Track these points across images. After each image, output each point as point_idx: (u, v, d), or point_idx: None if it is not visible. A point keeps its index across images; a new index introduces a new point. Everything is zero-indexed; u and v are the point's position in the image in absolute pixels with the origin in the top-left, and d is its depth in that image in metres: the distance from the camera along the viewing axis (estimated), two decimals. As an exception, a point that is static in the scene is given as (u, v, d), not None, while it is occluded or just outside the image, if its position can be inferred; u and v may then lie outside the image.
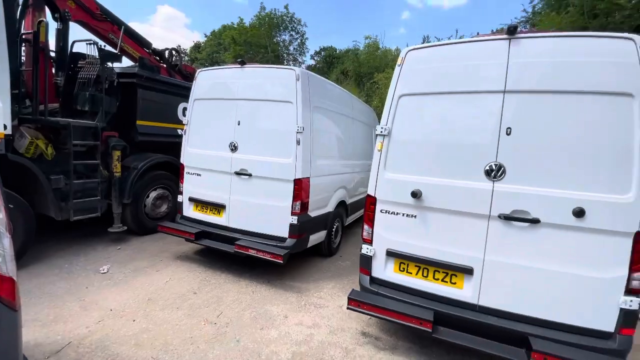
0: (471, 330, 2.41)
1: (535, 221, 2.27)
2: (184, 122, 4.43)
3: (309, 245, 4.09)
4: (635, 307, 2.08)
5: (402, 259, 2.75)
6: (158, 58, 6.42)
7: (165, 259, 4.38)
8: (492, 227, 2.41)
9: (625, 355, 2.10)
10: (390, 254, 2.77)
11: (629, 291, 2.09)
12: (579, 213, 2.15)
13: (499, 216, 2.36)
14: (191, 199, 4.37)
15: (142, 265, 4.11)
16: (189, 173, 4.40)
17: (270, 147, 3.85)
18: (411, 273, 2.72)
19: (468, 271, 2.49)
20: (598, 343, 2.13)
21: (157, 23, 61.48)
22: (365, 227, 2.90)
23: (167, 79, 5.71)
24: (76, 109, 4.51)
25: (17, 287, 1.43)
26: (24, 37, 4.14)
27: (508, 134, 2.35)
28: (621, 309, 2.10)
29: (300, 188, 3.71)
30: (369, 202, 2.87)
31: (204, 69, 4.39)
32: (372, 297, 2.67)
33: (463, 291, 2.52)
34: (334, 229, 4.77)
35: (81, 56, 4.63)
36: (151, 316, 3.03)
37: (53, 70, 4.65)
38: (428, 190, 2.59)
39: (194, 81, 4.36)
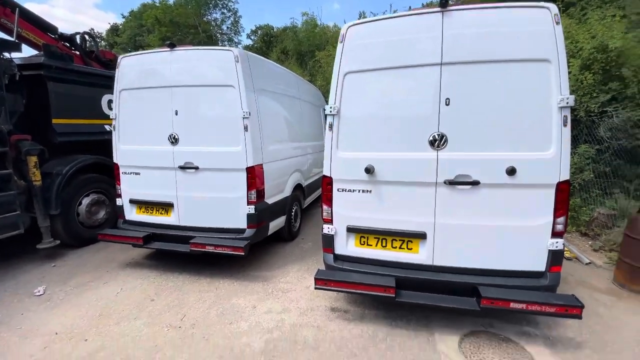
0: (429, 289, 2.63)
1: (475, 183, 2.49)
2: (111, 116, 3.95)
3: (270, 232, 4.03)
4: (560, 247, 2.44)
5: (362, 233, 2.85)
6: (68, 44, 5.56)
7: (111, 269, 4.00)
8: (440, 193, 2.59)
9: (555, 289, 2.46)
10: (351, 229, 2.85)
11: (555, 234, 2.44)
12: (511, 172, 2.40)
13: (445, 182, 2.54)
14: (132, 201, 4.00)
15: (85, 280, 3.71)
16: (125, 173, 3.99)
17: (216, 136, 3.62)
18: (371, 245, 2.84)
19: (422, 236, 2.67)
20: (534, 282, 2.47)
21: (60, 3, 52.98)
22: (325, 207, 2.93)
23: (82, 68, 4.98)
24: (-31, 111, 3.76)
25: None
26: None
27: (447, 104, 2.49)
28: (549, 250, 2.45)
29: (254, 176, 3.59)
30: (326, 183, 2.88)
31: (127, 54, 3.90)
32: (337, 274, 2.75)
33: (419, 255, 2.71)
34: (292, 213, 4.76)
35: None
36: (105, 332, 2.78)
37: None
38: (380, 165, 2.68)
39: (116, 69, 3.87)
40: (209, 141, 3.63)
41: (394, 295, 2.54)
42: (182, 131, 3.69)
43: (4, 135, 3.76)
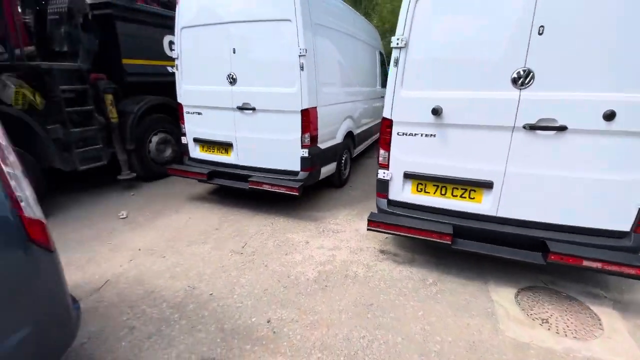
0: (488, 240, 2.53)
1: (562, 128, 2.19)
2: (174, 56, 4.07)
3: (321, 177, 4.09)
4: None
5: (420, 179, 2.75)
6: (130, -16, 5.64)
7: (180, 201, 4.45)
8: (516, 138, 2.34)
9: (638, 251, 2.21)
10: (408, 175, 2.77)
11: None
12: (610, 116, 2.06)
13: (524, 126, 2.27)
14: (196, 140, 4.26)
15: (158, 208, 4.19)
16: (188, 112, 4.21)
17: (272, 76, 3.58)
18: (429, 192, 2.75)
19: (488, 185, 2.50)
20: (613, 242, 2.25)
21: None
22: (381, 151, 2.84)
23: (147, 8, 5.08)
24: (53, 50, 4.11)
25: (47, 229, 1.43)
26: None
27: (540, 33, 2.12)
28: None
29: (309, 119, 3.56)
30: (385, 126, 2.76)
31: (186, -10, 3.86)
32: (391, 217, 2.74)
33: (482, 205, 2.58)
34: (343, 160, 4.74)
35: (44, -14, 4.06)
36: (180, 252, 3.18)
37: (19, 9, 4.12)
38: (449, 106, 2.47)
39: (176, 6, 3.88)
40: (265, 81, 3.61)
41: (450, 242, 2.49)
42: (239, 70, 3.69)
43: (84, 74, 4.11)
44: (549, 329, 2.17)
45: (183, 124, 4.29)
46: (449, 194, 2.68)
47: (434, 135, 2.59)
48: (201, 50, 3.88)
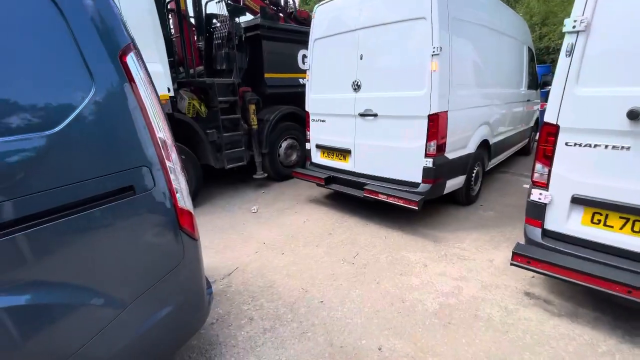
0: None
1: None
2: (306, 67, 4.34)
3: (446, 191, 3.61)
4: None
5: (598, 207, 2.02)
6: (274, 7, 6.43)
7: (300, 202, 4.72)
8: None
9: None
10: (579, 200, 2.07)
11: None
12: None
13: None
14: (318, 146, 4.43)
15: (283, 207, 4.54)
16: (314, 120, 4.41)
17: (398, 80, 3.36)
18: (611, 227, 1.98)
19: None
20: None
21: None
22: (538, 166, 2.23)
23: (287, 26, 5.67)
24: (215, 68, 5.01)
25: (194, 220, 1.60)
26: (168, 6, 4.69)
27: None
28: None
29: (436, 125, 3.17)
30: (546, 133, 2.15)
31: (322, 2, 4.06)
32: (548, 254, 2.10)
33: None
34: (474, 174, 4.07)
35: (214, 16, 5.00)
36: (296, 251, 3.31)
37: (195, 37, 5.22)
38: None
39: (312, 19, 4.12)
40: (391, 86, 3.42)
41: (639, 300, 1.71)
42: (364, 77, 3.63)
43: (236, 88, 4.85)
44: None
45: (308, 130, 4.54)
46: (649, 232, 1.86)
47: (628, 148, 1.84)
48: (330, 59, 4.00)
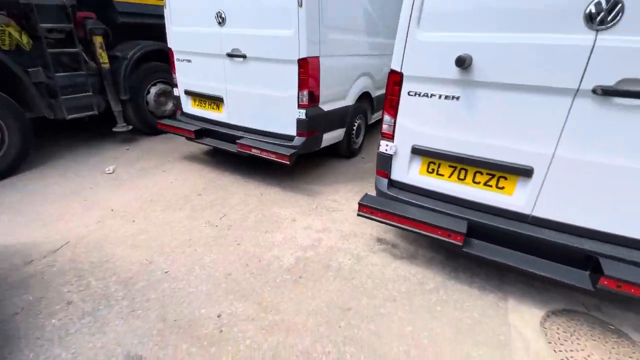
0: (516, 245, 1.88)
1: (660, 96, 1.41)
2: (164, -9, 3.49)
3: (323, 145, 3.50)
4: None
5: (432, 157, 2.09)
6: None
7: (173, 159, 4.11)
8: (577, 108, 1.59)
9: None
10: (417, 151, 2.11)
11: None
12: None
13: (595, 90, 1.51)
14: (188, 93, 3.78)
15: (148, 166, 3.89)
16: (179, 60, 3.70)
17: (266, 15, 2.91)
18: (443, 175, 2.10)
19: (525, 173, 1.80)
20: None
21: None
22: (386, 117, 2.18)
23: None
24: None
25: None
26: None
27: None
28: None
29: (307, 72, 2.90)
30: (392, 82, 2.07)
31: None
32: (388, 204, 2.15)
33: (512, 198, 1.90)
34: (354, 127, 4.06)
35: None
36: (151, 217, 2.85)
37: None
38: (483, 55, 1.72)
39: None
40: (258, 21, 2.95)
41: (461, 244, 1.88)
42: (229, 7, 3.05)
43: (69, 11, 3.67)
44: (583, 378, 1.57)
45: (174, 73, 3.81)
46: (469, 179, 2.01)
47: (458, 98, 1.88)
48: (190, -18, 3.25)
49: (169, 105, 4.90)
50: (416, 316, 1.91)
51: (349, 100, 3.73)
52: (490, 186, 1.95)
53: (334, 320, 1.87)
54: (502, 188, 1.92)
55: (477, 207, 2.01)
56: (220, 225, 2.74)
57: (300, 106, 3.03)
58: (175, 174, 3.68)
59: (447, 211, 2.03)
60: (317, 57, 2.95)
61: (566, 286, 1.76)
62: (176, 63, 3.73)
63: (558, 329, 1.83)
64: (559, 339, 1.77)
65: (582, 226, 1.74)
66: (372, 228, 2.75)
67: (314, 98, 3.06)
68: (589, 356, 1.68)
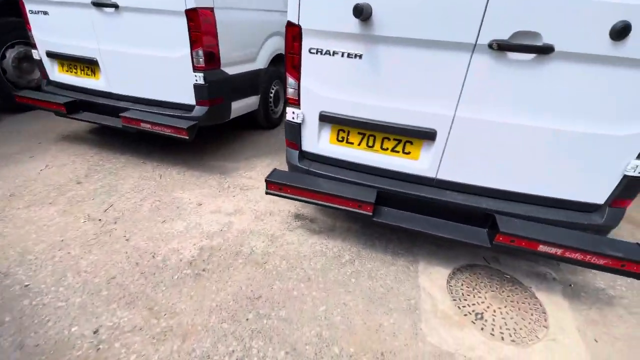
0: (424, 209, 1.86)
1: (547, 50, 1.39)
2: None
3: (234, 115, 3.10)
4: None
5: (341, 124, 1.91)
6: None
7: (45, 141, 3.31)
8: (476, 63, 1.52)
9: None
10: (325, 118, 1.91)
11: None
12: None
13: (491, 45, 1.44)
14: (51, 55, 2.97)
15: (10, 152, 3.06)
16: (32, 12, 2.84)
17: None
18: (352, 143, 1.95)
19: (428, 136, 1.74)
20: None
21: None
22: (289, 79, 1.91)
23: None
24: None
25: None
26: None
27: None
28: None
29: (199, 26, 2.43)
30: (291, 37, 1.79)
31: None
32: (298, 178, 1.95)
33: (418, 162, 1.84)
34: (272, 94, 3.72)
35: None
36: (11, 216, 2.23)
37: None
38: (382, 6, 1.53)
39: None
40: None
41: (371, 214, 1.80)
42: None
43: None
44: (482, 329, 1.66)
45: (29, 28, 2.94)
46: (377, 146, 1.90)
47: (361, 57, 1.69)
48: None
49: (37, 73, 3.89)
50: (330, 293, 1.81)
51: (260, 63, 3.33)
52: (398, 152, 1.87)
53: (241, 313, 1.66)
54: (409, 153, 1.85)
55: (387, 174, 1.93)
56: (105, 219, 2.27)
57: (196, 69, 2.56)
58: (48, 160, 2.96)
59: (358, 181, 1.91)
60: (211, 9, 2.47)
61: (468, 245, 1.81)
62: (29, 16, 2.86)
63: (462, 285, 1.91)
64: (462, 294, 1.84)
65: (482, 185, 1.78)
66: (290, 204, 2.56)
67: (213, 59, 2.62)
68: (488, 307, 1.78)
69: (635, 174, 1.53)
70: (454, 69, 1.55)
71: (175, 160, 3.10)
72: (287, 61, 1.86)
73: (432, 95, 1.64)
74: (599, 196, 1.65)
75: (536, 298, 1.86)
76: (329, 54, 1.73)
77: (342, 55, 1.70)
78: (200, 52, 2.51)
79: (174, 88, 2.68)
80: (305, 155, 2.10)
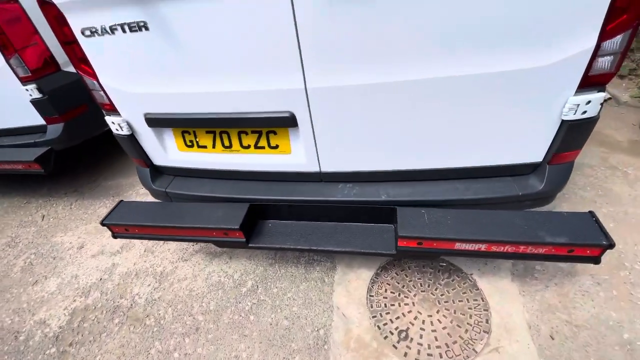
0: (313, 213, 1.40)
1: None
2: None
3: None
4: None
5: (179, 125, 1.38)
6: None
7: None
8: (302, 6, 0.94)
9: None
10: (154, 122, 1.36)
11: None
12: None
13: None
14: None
15: None
16: None
17: None
18: (206, 147, 1.42)
19: (288, 122, 1.20)
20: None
21: None
22: (87, 80, 1.34)
23: None
24: None
25: None
26: None
27: None
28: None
29: (1, 26, 1.78)
30: (52, 19, 1.18)
31: None
32: (146, 211, 1.47)
33: (293, 157, 1.34)
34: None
35: None
36: None
37: None
38: None
39: None
40: None
41: (243, 239, 1.34)
42: None
43: None
44: (405, 355, 1.29)
45: None
46: (236, 145, 1.37)
47: (146, 26, 1.09)
48: None
49: None
50: (220, 344, 1.44)
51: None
52: (263, 147, 1.35)
53: (103, 402, 1.31)
54: (277, 147, 1.33)
55: (261, 177, 1.44)
56: (-36, 296, 1.87)
57: (24, 80, 1.95)
58: None
59: (226, 195, 1.43)
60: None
61: (371, 256, 1.38)
62: None
63: (386, 291, 1.51)
64: (385, 306, 1.46)
65: (377, 170, 1.29)
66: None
67: (43, 61, 1.98)
68: (415, 319, 1.40)
69: (577, 116, 1.03)
70: (278, 22, 0.97)
71: (66, 189, 2.61)
72: (69, 55, 1.27)
73: (266, 66, 1.08)
74: (534, 153, 1.16)
75: (478, 289, 1.47)
76: (108, 32, 1.13)
77: (124, 31, 1.11)
78: (19, 58, 1.88)
79: (10, 109, 2.09)
80: (161, 170, 1.60)
